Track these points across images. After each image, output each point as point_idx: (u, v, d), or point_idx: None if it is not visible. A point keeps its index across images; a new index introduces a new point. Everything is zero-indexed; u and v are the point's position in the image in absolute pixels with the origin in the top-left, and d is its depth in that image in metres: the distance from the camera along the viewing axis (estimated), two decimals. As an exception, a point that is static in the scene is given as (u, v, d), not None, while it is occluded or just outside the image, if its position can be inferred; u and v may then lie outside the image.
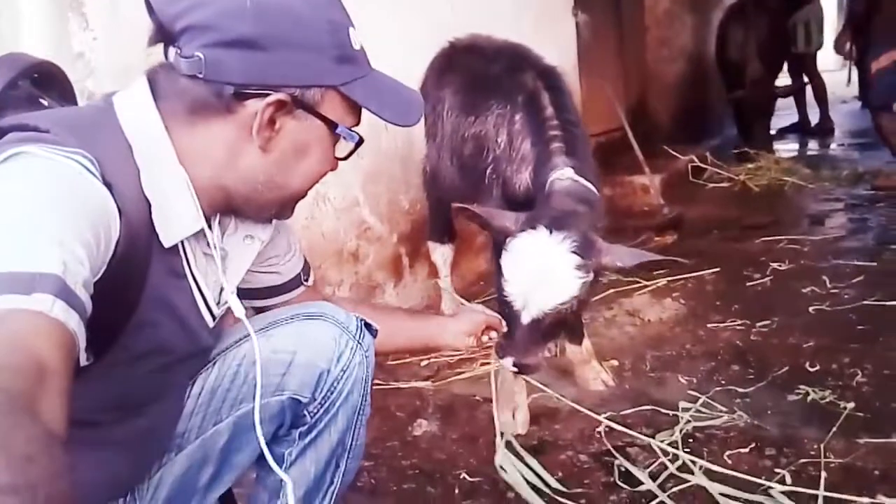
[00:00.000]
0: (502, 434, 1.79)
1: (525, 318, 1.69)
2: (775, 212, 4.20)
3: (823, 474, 1.66)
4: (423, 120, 2.61)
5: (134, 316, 0.90)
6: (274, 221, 1.16)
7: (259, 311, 1.28)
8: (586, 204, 1.80)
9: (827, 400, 2.02)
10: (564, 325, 1.89)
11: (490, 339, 1.63)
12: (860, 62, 8.14)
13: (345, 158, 1.05)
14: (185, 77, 0.91)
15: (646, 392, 2.20)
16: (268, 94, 0.92)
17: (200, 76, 0.90)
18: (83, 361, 0.80)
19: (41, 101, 1.00)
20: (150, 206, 0.90)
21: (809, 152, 6.34)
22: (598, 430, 2.00)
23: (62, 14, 1.88)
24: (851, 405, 1.96)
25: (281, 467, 1.19)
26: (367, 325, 1.21)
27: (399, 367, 2.57)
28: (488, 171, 2.07)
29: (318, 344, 1.15)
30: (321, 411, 1.17)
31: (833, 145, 6.56)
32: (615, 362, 2.45)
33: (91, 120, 0.91)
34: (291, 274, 1.29)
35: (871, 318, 2.54)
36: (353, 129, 1.02)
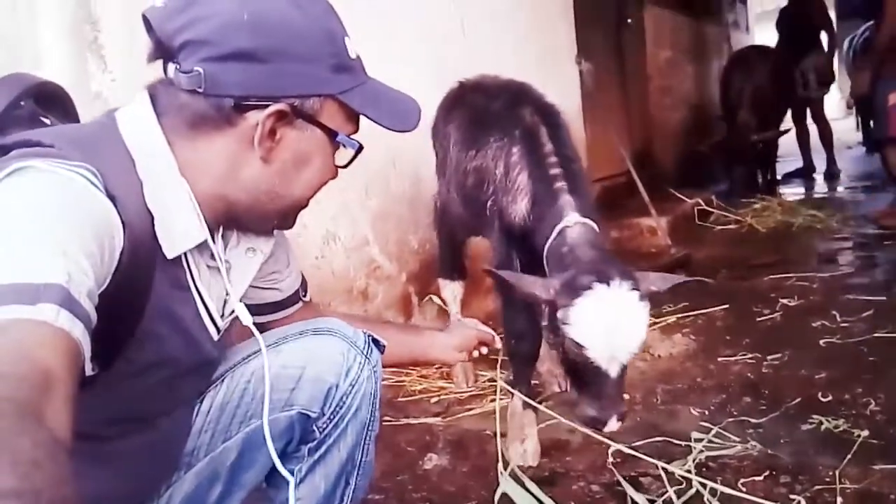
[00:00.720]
0: (506, 464, 1.78)
1: (613, 373, 1.62)
2: (783, 251, 4.21)
3: (839, 500, 1.64)
4: (434, 157, 2.68)
5: (138, 328, 0.91)
6: (274, 235, 1.17)
7: (260, 327, 1.27)
8: (601, 243, 1.80)
9: (840, 429, 2.00)
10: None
11: (480, 353, 1.63)
12: (864, 104, 8.29)
13: (345, 166, 1.07)
14: (185, 92, 0.93)
15: (657, 424, 2.19)
16: (268, 106, 0.94)
17: (200, 90, 0.91)
18: (88, 371, 0.80)
19: (44, 119, 1.01)
20: (153, 218, 0.91)
21: (816, 195, 6.37)
22: (609, 461, 1.98)
23: (81, 55, 1.96)
24: (865, 433, 1.93)
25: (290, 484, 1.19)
26: (375, 341, 1.22)
27: (409, 403, 2.56)
28: (489, 204, 2.09)
29: (327, 359, 1.16)
30: (330, 426, 1.17)
31: (839, 188, 6.60)
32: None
33: (94, 135, 0.92)
34: (291, 290, 1.31)
35: (881, 350, 2.53)
36: (352, 136, 1.04)
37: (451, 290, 2.79)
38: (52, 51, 1.93)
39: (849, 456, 1.83)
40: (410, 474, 2.05)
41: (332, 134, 1.00)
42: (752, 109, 5.48)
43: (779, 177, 7.01)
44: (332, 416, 1.16)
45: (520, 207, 1.94)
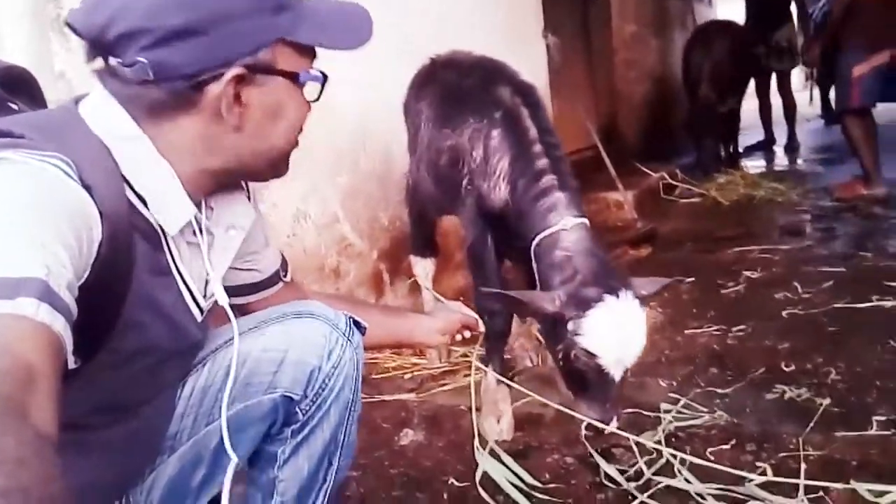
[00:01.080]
0: (483, 442, 1.82)
1: (618, 377, 1.67)
2: (746, 224, 4.30)
3: (803, 466, 1.70)
4: (405, 134, 2.65)
5: (121, 317, 0.90)
6: (253, 215, 1.17)
7: (241, 309, 1.29)
8: (598, 245, 1.80)
9: (803, 398, 2.07)
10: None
11: (464, 337, 1.64)
12: (823, 76, 8.42)
13: (317, 100, 1.04)
14: (135, 84, 0.90)
15: (628, 397, 2.23)
16: (223, 74, 0.91)
17: (150, 79, 0.89)
18: (71, 364, 0.79)
19: (10, 105, 0.99)
20: (130, 205, 0.90)
21: (776, 168, 6.49)
22: (581, 433, 2.03)
23: (44, 34, 1.90)
24: (827, 401, 2.01)
25: (274, 466, 1.20)
26: (356, 323, 1.22)
27: (383, 381, 2.58)
28: (464, 183, 2.08)
29: (309, 341, 1.16)
30: (313, 408, 1.18)
31: (799, 161, 6.73)
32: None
33: (63, 123, 0.91)
34: (270, 270, 1.31)
35: (841, 320, 2.62)
36: (312, 70, 1.01)
37: (423, 267, 2.78)
38: (13, 29, 1.87)
39: (811, 424, 1.91)
40: (387, 450, 2.08)
41: (294, 76, 0.98)
42: (713, 84, 5.53)
43: (740, 150, 7.11)
44: (314, 399, 1.17)
45: (501, 194, 1.93)
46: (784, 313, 2.74)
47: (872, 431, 1.84)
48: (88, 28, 0.89)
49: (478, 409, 2.16)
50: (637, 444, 1.90)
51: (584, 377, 1.68)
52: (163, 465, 1.15)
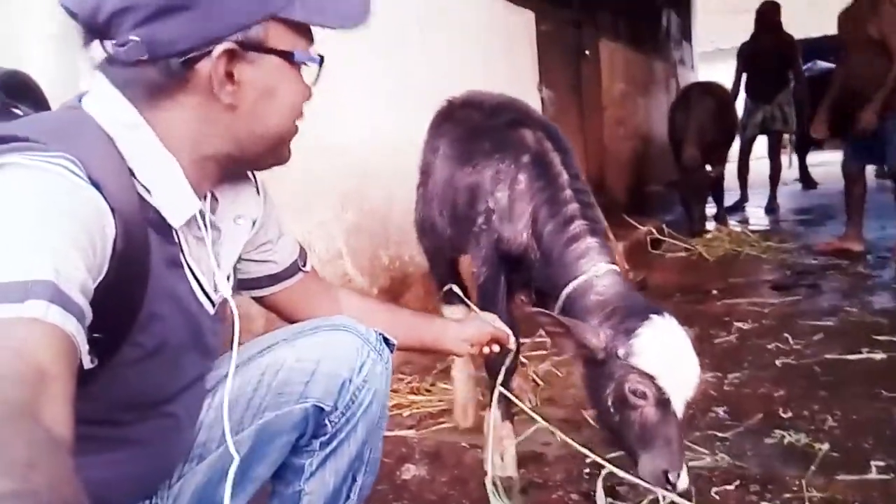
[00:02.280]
0: (493, 483, 1.79)
1: (679, 410, 1.56)
2: (732, 278, 4.38)
3: (808, 505, 1.73)
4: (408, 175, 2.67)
5: (142, 311, 0.90)
6: (264, 205, 1.17)
7: (264, 301, 1.28)
8: (631, 287, 1.78)
9: (802, 443, 2.10)
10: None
11: (492, 351, 1.59)
12: (801, 143, 8.66)
13: (315, 83, 1.03)
14: (130, 66, 0.89)
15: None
16: (212, 51, 0.90)
17: (144, 59, 0.88)
18: (87, 364, 0.78)
19: (14, 110, 0.99)
20: (140, 197, 0.90)
21: (759, 228, 6.63)
22: (585, 471, 2.04)
23: (71, 55, 1.94)
24: (826, 446, 2.04)
25: (300, 478, 1.20)
26: (386, 339, 1.24)
27: (382, 417, 2.57)
28: (479, 221, 2.05)
29: (341, 354, 1.17)
30: (342, 421, 1.18)
31: (779, 222, 6.90)
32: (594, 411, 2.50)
33: (67, 121, 0.91)
34: (288, 261, 1.28)
35: (833, 370, 2.68)
36: (308, 51, 1.00)
37: (453, 314, 2.51)
38: (41, 50, 1.90)
39: (813, 467, 1.93)
40: (390, 484, 2.06)
41: (288, 56, 0.97)
42: (698, 144, 5.62)
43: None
44: (344, 411, 1.18)
45: (524, 239, 1.91)
46: (777, 362, 2.80)
47: (873, 476, 1.87)
48: (82, 9, 0.89)
49: (480, 447, 2.18)
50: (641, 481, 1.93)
51: (643, 419, 1.55)
52: (191, 473, 1.15)
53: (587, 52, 5.82)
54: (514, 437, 2.12)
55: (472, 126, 2.23)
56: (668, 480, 1.51)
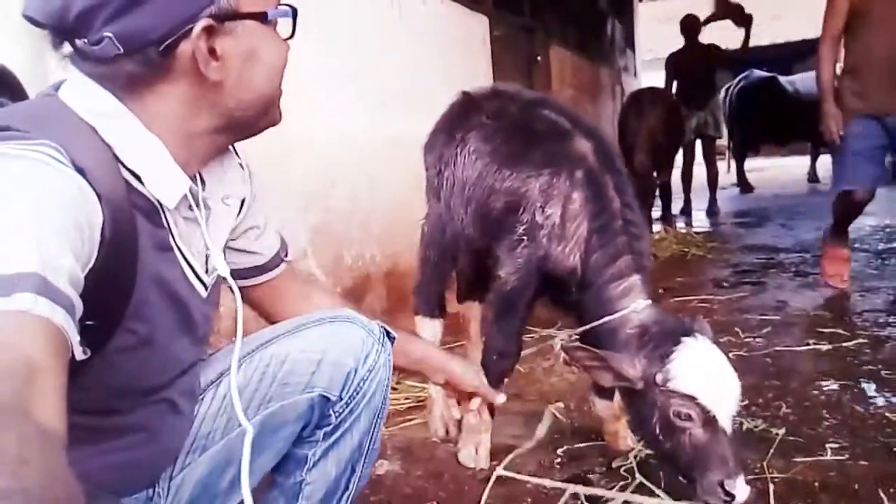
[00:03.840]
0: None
1: (727, 426, 1.55)
2: (682, 277, 4.53)
3: (771, 486, 1.82)
4: (371, 175, 2.68)
5: (133, 297, 0.89)
6: (251, 186, 1.16)
7: (246, 293, 1.25)
8: (666, 317, 1.76)
9: (760, 428, 2.20)
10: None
11: (465, 406, 1.58)
12: (738, 147, 9.00)
13: (292, 36, 1.03)
14: (107, 62, 0.88)
15: (596, 429, 2.32)
16: (191, 31, 0.89)
17: (121, 53, 0.87)
18: (79, 356, 0.77)
19: None
20: (127, 183, 0.89)
21: (702, 230, 6.86)
22: (556, 461, 2.10)
23: (41, 52, 1.90)
24: (783, 431, 2.14)
25: (302, 469, 1.21)
26: (387, 332, 1.25)
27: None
28: (520, 231, 1.92)
29: (347, 344, 1.18)
30: (346, 411, 1.19)
31: (720, 224, 7.15)
32: (560, 404, 2.56)
33: (47, 111, 0.89)
34: (271, 252, 1.27)
35: (783, 361, 2.81)
36: (279, 6, 0.99)
37: (432, 329, 2.45)
38: (11, 47, 1.85)
39: (771, 451, 2.03)
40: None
41: (262, 17, 0.96)
42: (649, 149, 5.78)
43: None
44: (349, 401, 1.19)
45: (573, 262, 1.84)
46: (731, 355, 2.88)
47: (828, 457, 1.98)
48: (47, 15, 0.87)
49: (453, 442, 2.20)
50: (610, 468, 2.00)
51: (693, 441, 1.54)
52: (193, 465, 1.15)
53: (538, 58, 5.93)
54: (490, 432, 2.15)
55: (512, 122, 2.10)
56: (725, 492, 1.50)
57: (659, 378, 1.57)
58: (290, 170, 2.75)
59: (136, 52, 0.87)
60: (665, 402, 1.56)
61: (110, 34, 0.85)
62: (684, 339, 1.58)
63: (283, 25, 1.01)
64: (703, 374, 1.55)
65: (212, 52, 0.91)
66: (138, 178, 0.92)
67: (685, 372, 1.54)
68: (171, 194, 0.94)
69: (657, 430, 1.60)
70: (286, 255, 1.32)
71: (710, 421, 1.53)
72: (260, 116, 1.02)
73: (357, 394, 1.19)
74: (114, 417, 0.99)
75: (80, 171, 0.80)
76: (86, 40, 0.87)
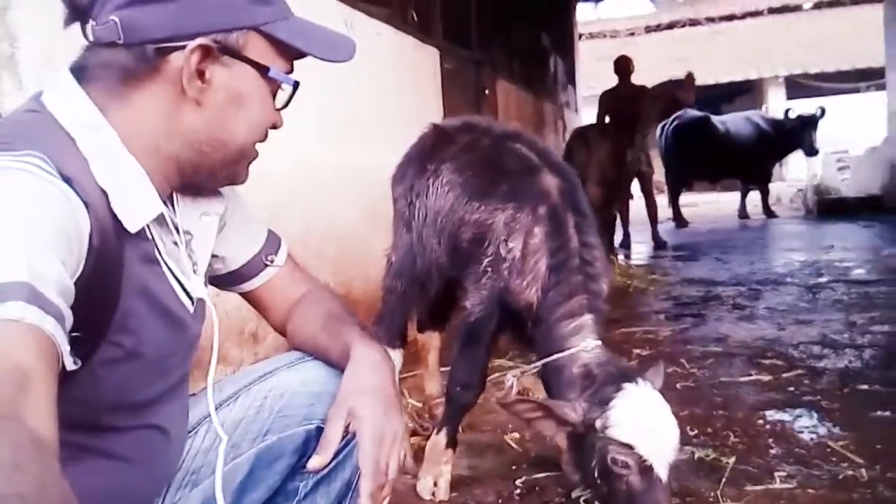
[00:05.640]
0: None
1: (663, 475, 1.53)
2: (626, 308, 4.64)
3: (726, 515, 1.87)
4: (323, 202, 2.64)
5: (118, 308, 0.88)
6: (228, 200, 1.13)
7: (249, 298, 1.23)
8: (612, 358, 1.78)
9: (711, 457, 2.26)
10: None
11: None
12: (674, 183, 9.32)
13: (285, 107, 1.04)
14: (106, 49, 0.90)
15: (554, 458, 2.34)
16: (188, 44, 0.90)
17: (120, 42, 0.88)
18: (70, 366, 0.76)
19: None
20: (107, 195, 0.88)
21: (640, 262, 7.05)
22: (516, 492, 2.10)
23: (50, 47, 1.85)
24: (733, 460, 2.21)
25: (292, 501, 1.18)
26: None
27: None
28: (485, 263, 1.95)
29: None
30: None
31: (659, 258, 7.36)
32: (516, 434, 2.57)
33: (29, 121, 0.89)
34: (243, 259, 1.20)
35: (728, 391, 2.90)
36: (289, 73, 1.00)
37: (393, 360, 2.40)
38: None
39: (723, 479, 2.08)
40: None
41: (263, 70, 0.97)
42: (599, 183, 5.92)
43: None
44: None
45: (530, 296, 1.85)
46: (678, 385, 2.98)
47: (777, 485, 2.05)
48: None
49: (413, 475, 2.18)
50: (570, 498, 2.02)
51: (629, 488, 1.55)
52: (184, 500, 1.11)
53: (486, 91, 6.04)
54: (451, 465, 2.14)
55: (484, 155, 2.13)
56: None
57: (599, 424, 1.57)
58: (245, 196, 2.71)
59: (133, 44, 0.89)
60: (603, 448, 1.57)
61: (116, 18, 0.87)
62: (625, 385, 1.58)
63: (282, 94, 1.03)
64: (642, 423, 1.55)
65: (200, 73, 0.92)
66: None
67: (624, 420, 1.54)
68: (135, 218, 0.91)
69: (595, 474, 1.61)
70: (272, 258, 1.24)
71: (646, 469, 1.53)
72: (227, 164, 1.02)
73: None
74: (101, 437, 0.96)
75: (67, 180, 0.80)
76: (94, 22, 0.89)
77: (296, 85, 1.02)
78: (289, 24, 0.99)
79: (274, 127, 1.06)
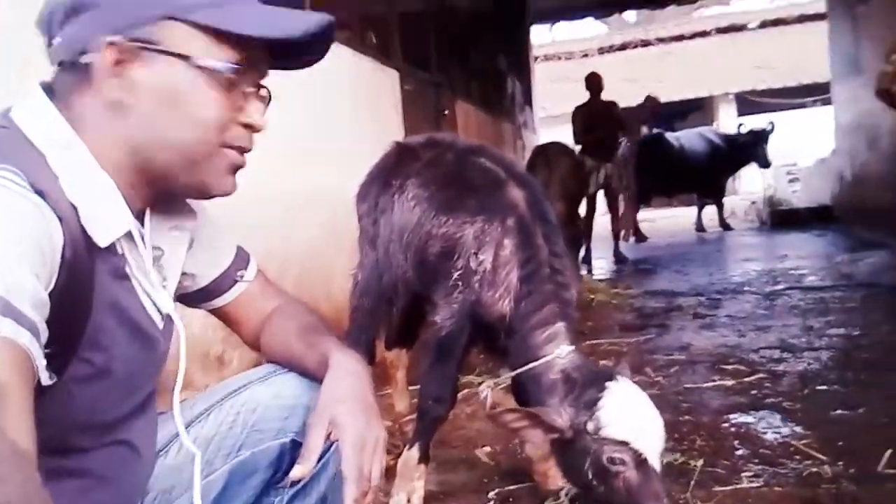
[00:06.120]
0: None
1: (657, 465, 1.58)
2: (590, 321, 4.69)
3: (697, 516, 1.90)
4: (285, 225, 2.60)
5: (89, 323, 0.87)
6: (197, 216, 1.12)
7: (220, 315, 1.23)
8: (588, 362, 1.80)
9: (679, 461, 2.29)
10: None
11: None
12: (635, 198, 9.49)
13: (267, 105, 1.02)
14: (62, 68, 0.91)
15: (525, 470, 2.35)
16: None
17: (66, 59, 0.89)
18: (45, 381, 0.74)
19: None
20: (77, 210, 0.87)
21: (602, 276, 7.15)
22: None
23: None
24: (700, 462, 2.25)
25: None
26: None
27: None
28: (454, 277, 1.95)
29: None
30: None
31: (620, 272, 7.47)
32: (487, 448, 2.58)
33: (1, 136, 0.87)
34: (212, 276, 1.19)
35: (693, 397, 2.95)
36: (220, 59, 0.92)
37: None
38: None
39: (693, 482, 2.12)
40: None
41: (184, 58, 0.91)
42: (563, 199, 5.97)
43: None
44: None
45: (502, 308, 1.86)
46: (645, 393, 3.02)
47: (745, 485, 2.09)
48: (40, 17, 0.93)
49: (385, 493, 2.17)
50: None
51: (627, 484, 1.56)
52: None
53: (446, 112, 6.10)
54: (423, 480, 2.13)
55: (449, 169, 2.14)
56: None
57: (590, 426, 1.58)
58: (212, 215, 2.69)
59: (71, 60, 0.90)
60: (598, 449, 1.58)
61: (60, 38, 0.90)
62: (608, 384, 1.61)
63: (255, 106, 0.99)
64: (632, 419, 1.59)
65: (117, 73, 0.89)
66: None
67: (615, 418, 1.57)
68: (105, 233, 0.90)
69: (590, 476, 1.61)
70: (241, 274, 1.23)
71: (642, 462, 1.56)
72: (183, 170, 0.96)
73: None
74: (71, 457, 0.94)
75: (40, 193, 0.79)
76: (50, 43, 0.92)
77: (237, 70, 0.93)
78: (223, 9, 0.92)
79: (250, 128, 1.00)
